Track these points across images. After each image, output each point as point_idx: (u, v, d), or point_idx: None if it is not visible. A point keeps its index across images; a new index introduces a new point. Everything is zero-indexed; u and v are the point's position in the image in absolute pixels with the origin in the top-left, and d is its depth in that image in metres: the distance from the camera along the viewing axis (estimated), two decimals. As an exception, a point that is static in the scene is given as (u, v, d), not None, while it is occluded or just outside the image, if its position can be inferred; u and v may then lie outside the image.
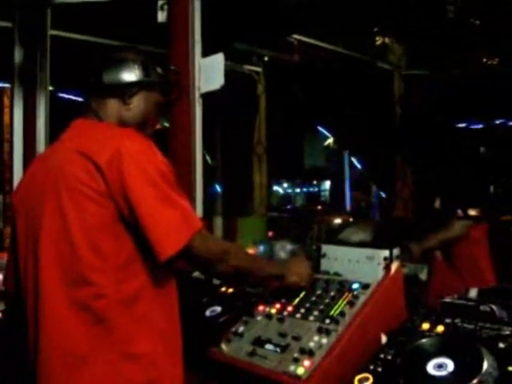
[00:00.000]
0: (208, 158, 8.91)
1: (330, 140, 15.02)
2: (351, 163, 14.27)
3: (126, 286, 1.43)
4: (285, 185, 18.57)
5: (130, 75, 1.59)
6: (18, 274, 1.60)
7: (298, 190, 18.92)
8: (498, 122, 10.75)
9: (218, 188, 8.97)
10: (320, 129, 13.50)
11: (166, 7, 3.14)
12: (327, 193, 18.24)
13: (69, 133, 1.61)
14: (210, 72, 2.88)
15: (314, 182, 18.50)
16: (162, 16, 3.15)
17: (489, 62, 8.30)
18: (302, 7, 5.36)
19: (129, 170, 1.39)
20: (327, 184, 18.12)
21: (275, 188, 17.14)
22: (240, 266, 1.58)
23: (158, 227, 1.39)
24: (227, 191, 8.38)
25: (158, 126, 1.74)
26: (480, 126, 11.00)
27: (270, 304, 1.84)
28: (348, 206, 14.56)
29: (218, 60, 2.88)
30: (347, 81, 8.75)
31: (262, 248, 3.47)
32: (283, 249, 3.42)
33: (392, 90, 9.93)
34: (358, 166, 13.49)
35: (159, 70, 1.68)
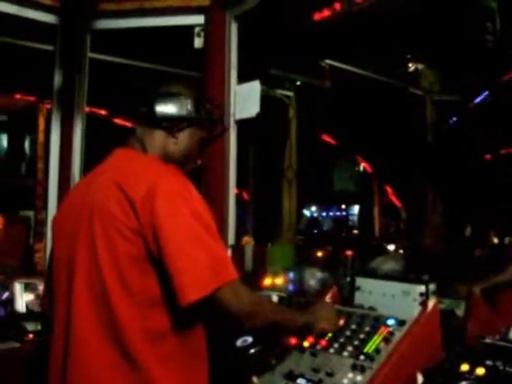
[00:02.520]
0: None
1: (362, 165, 14.93)
2: (381, 188, 14.13)
3: (151, 324, 1.40)
4: (313, 208, 18.47)
5: (182, 110, 1.60)
6: (52, 298, 1.61)
7: (325, 214, 18.80)
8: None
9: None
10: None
11: (202, 33, 3.18)
12: (355, 217, 18.05)
13: (110, 162, 1.61)
14: (245, 99, 2.89)
15: (343, 207, 18.36)
16: (198, 42, 3.20)
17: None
18: (336, 33, 5.37)
19: (162, 208, 1.37)
20: (356, 208, 17.96)
21: (304, 211, 17.05)
22: (270, 320, 1.53)
23: (183, 269, 1.35)
24: (258, 216, 8.31)
25: (200, 162, 1.73)
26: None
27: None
28: (377, 232, 14.39)
29: (255, 87, 2.89)
30: (379, 106, 8.71)
31: (291, 275, 3.43)
32: (313, 276, 3.38)
33: (424, 116, 9.85)
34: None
35: (208, 106, 1.69)
